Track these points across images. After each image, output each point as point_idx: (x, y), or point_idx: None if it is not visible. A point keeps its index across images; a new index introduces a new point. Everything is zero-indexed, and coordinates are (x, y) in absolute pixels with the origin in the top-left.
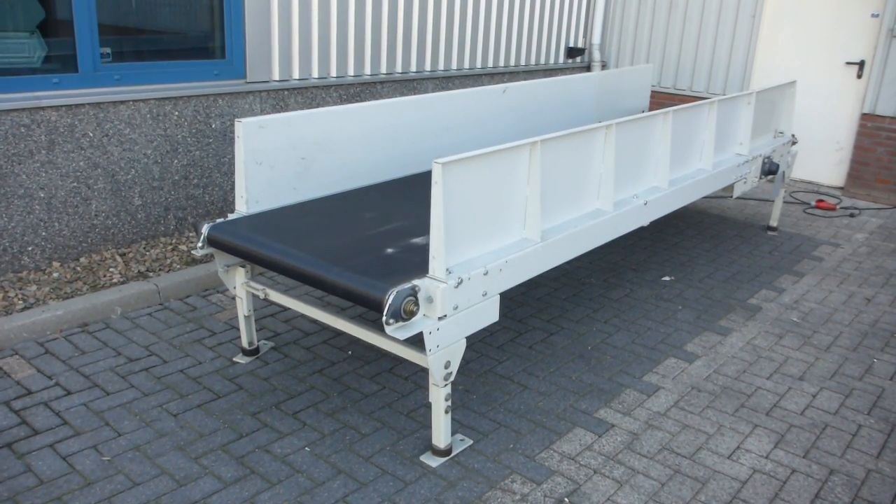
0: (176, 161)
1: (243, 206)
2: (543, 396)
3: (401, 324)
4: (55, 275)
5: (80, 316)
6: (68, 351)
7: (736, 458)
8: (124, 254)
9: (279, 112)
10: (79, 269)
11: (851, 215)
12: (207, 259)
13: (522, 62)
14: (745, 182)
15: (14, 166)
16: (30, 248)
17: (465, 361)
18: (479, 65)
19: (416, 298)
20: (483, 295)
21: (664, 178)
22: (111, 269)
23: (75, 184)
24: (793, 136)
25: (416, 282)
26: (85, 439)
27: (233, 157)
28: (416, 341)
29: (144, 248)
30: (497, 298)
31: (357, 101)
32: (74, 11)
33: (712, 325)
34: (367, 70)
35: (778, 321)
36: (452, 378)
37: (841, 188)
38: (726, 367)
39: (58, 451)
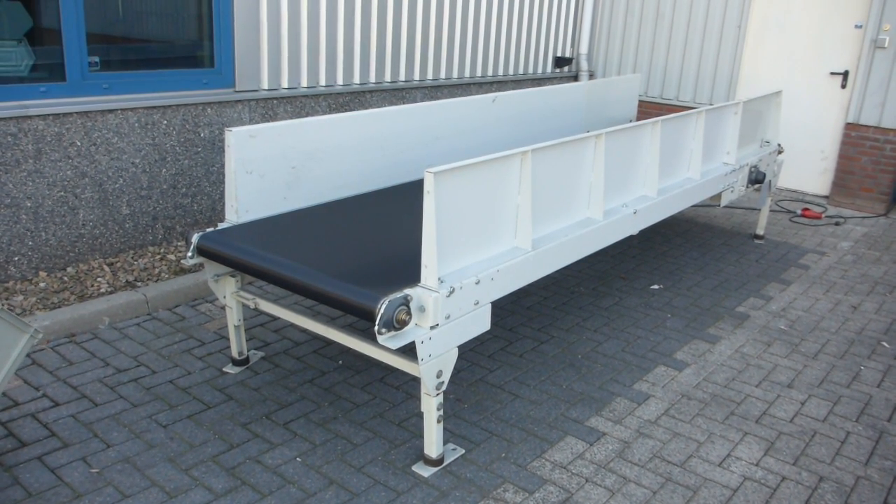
0: (164, 170)
1: (233, 216)
2: (535, 405)
3: (393, 333)
4: (42, 284)
5: (68, 326)
6: (55, 362)
7: (727, 466)
8: (112, 263)
9: (268, 121)
10: (66, 278)
11: (837, 224)
12: (196, 269)
13: (511, 72)
14: (732, 191)
15: (0, 175)
16: (16, 258)
17: (457, 370)
18: (467, 74)
19: (409, 308)
20: (475, 304)
21: (653, 187)
22: (99, 279)
23: (62, 193)
24: (779, 145)
25: (408, 291)
26: (73, 451)
27: (221, 167)
28: (408, 350)
29: (132, 257)
30: (489, 307)
31: (346, 111)
32: (62, 20)
33: (701, 333)
34: (356, 79)
35: (766, 329)
36: (444, 387)
37: (826, 197)
38: (716, 374)
39: (46, 463)
